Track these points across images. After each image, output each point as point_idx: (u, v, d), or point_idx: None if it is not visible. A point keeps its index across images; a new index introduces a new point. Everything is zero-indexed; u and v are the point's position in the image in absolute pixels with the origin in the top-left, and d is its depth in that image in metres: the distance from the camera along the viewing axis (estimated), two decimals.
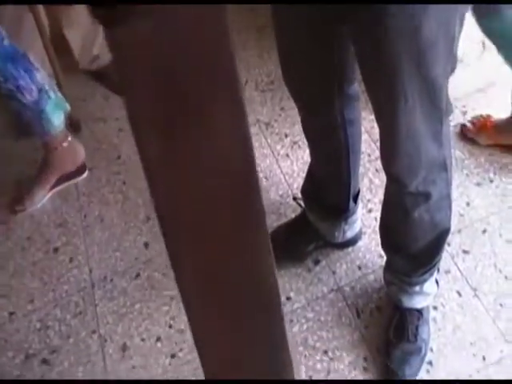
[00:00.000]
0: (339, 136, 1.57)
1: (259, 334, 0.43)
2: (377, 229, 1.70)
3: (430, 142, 1.25)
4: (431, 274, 1.59)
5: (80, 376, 1.76)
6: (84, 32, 2.44)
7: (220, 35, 0.34)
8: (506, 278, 1.76)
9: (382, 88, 1.18)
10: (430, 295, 1.65)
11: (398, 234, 1.55)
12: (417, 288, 1.60)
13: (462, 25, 1.11)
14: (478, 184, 1.98)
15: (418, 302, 1.63)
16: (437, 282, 1.65)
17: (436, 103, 1.17)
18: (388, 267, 1.67)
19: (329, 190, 1.73)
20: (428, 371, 1.62)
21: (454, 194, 1.90)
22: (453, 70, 1.17)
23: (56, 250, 2.07)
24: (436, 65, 1.10)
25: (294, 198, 1.95)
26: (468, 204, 1.93)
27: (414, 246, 1.52)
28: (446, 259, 1.79)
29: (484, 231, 1.86)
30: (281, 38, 1.35)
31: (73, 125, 2.44)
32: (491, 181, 1.98)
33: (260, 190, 0.38)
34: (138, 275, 1.96)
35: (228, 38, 0.34)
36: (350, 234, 1.83)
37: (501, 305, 1.71)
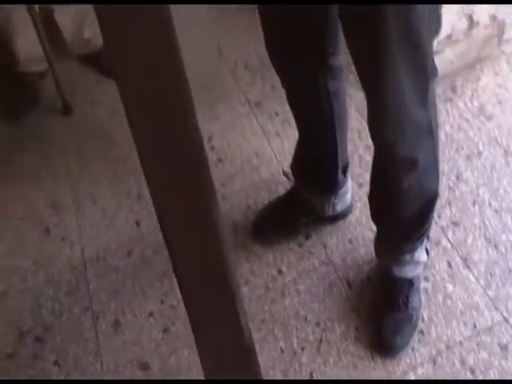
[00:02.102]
0: (324, 108, 1.57)
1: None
2: (367, 203, 1.71)
3: (416, 105, 1.25)
4: (421, 242, 1.60)
5: (73, 352, 1.77)
6: (75, 16, 2.44)
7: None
8: (495, 247, 1.77)
9: (367, 49, 1.17)
10: (421, 264, 1.66)
11: (387, 202, 1.55)
12: (407, 257, 1.61)
13: None
14: (468, 157, 1.99)
15: (408, 271, 1.64)
16: (427, 250, 1.66)
17: (421, 63, 1.17)
18: (378, 237, 1.67)
19: (317, 163, 1.74)
20: (419, 340, 1.63)
21: (444, 167, 1.92)
22: (437, 31, 1.18)
23: (48, 229, 2.07)
24: (421, 22, 1.10)
25: (284, 174, 1.96)
26: (458, 177, 1.94)
27: (403, 213, 1.52)
28: (436, 231, 1.80)
29: (474, 202, 1.87)
30: (264, 7, 1.35)
31: (65, 108, 2.44)
32: (480, 153, 1.99)
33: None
34: (130, 253, 1.96)
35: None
36: (340, 208, 1.84)
37: (491, 274, 1.72)
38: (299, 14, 1.28)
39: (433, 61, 1.21)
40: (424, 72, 1.21)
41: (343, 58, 1.53)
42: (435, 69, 1.24)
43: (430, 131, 1.35)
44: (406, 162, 1.38)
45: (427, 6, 1.09)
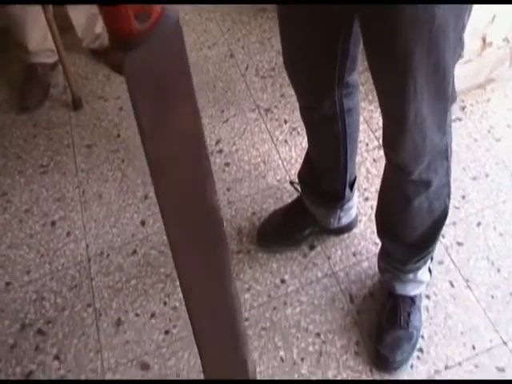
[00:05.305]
0: (337, 125, 1.57)
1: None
2: (373, 217, 1.72)
3: (435, 130, 1.26)
4: (425, 262, 1.61)
5: (74, 347, 1.78)
6: (87, 11, 2.44)
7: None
8: (498, 270, 1.78)
9: (392, 76, 1.17)
10: (423, 283, 1.68)
11: (396, 221, 1.56)
12: (410, 275, 1.63)
13: (470, 13, 1.11)
14: (474, 178, 2.01)
15: (411, 290, 1.66)
16: (430, 270, 1.68)
17: (443, 91, 1.18)
18: (383, 254, 1.69)
19: (325, 177, 1.75)
20: (419, 358, 1.65)
21: (451, 186, 1.93)
22: (459, 56, 1.17)
23: (53, 223, 2.09)
24: (446, 52, 1.10)
25: (291, 183, 1.97)
26: (463, 197, 1.95)
27: (410, 233, 1.53)
28: (439, 250, 1.82)
29: (478, 224, 1.89)
30: (284, 26, 1.35)
31: (74, 102, 2.45)
32: (487, 175, 2.01)
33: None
34: (134, 252, 1.98)
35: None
36: (345, 221, 1.85)
37: (492, 296, 1.74)
38: (320, 29, 1.28)
39: (453, 86, 1.22)
40: (445, 97, 1.21)
41: (358, 75, 1.55)
42: (454, 94, 1.25)
43: (445, 156, 1.36)
44: (419, 182, 1.39)
45: (453, 33, 1.08)
